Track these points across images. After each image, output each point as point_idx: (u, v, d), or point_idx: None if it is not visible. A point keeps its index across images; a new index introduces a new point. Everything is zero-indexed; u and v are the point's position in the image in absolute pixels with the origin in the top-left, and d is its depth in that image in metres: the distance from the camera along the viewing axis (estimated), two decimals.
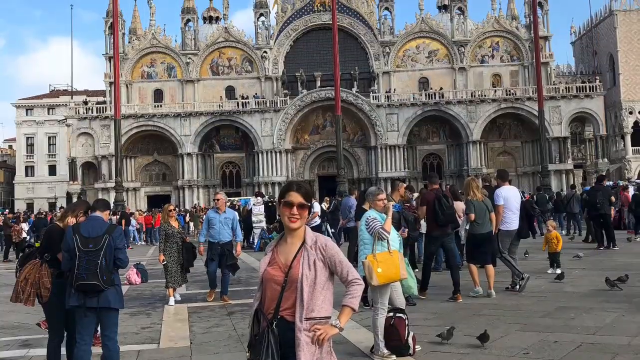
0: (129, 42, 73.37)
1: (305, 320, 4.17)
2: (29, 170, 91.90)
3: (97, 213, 7.76)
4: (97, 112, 70.99)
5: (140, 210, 52.71)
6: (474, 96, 69.20)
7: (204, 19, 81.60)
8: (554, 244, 15.56)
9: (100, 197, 55.23)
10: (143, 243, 40.48)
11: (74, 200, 54.93)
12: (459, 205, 14.99)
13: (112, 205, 36.96)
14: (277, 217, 25.29)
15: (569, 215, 29.40)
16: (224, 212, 13.78)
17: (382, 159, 68.70)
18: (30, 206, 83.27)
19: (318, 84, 70.02)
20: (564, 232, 28.46)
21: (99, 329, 7.78)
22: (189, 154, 70.14)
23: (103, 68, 73.91)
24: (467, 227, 12.88)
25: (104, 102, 72.22)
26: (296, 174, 70.21)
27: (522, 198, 14.55)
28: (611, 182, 39.58)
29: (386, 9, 73.20)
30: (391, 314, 8.37)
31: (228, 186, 70.71)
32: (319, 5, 72.69)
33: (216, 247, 13.61)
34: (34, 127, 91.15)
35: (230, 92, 72.83)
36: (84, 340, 7.35)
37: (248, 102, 69.89)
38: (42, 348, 8.65)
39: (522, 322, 10.02)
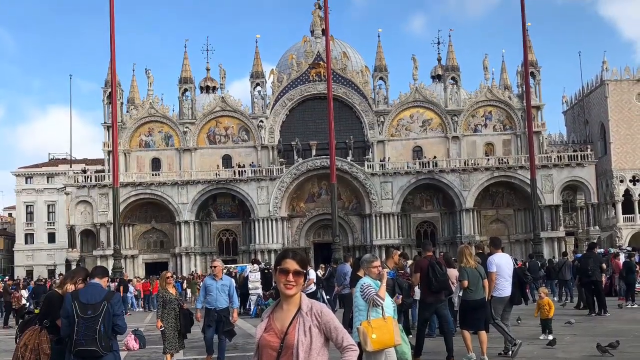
0: (127, 112, 73.91)
1: None
2: (29, 237, 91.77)
3: (96, 280, 7.92)
4: (95, 181, 71.09)
5: (138, 277, 52.52)
6: (467, 165, 69.54)
7: (201, 88, 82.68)
8: (546, 310, 15.70)
9: (98, 264, 55.36)
10: (141, 309, 40.38)
11: (73, 267, 54.74)
12: (453, 272, 15.20)
13: (110, 272, 36.88)
14: (273, 284, 25.37)
15: (561, 282, 29.52)
16: (221, 279, 13.94)
17: (377, 227, 68.69)
18: (29, 273, 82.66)
19: (313, 152, 70.48)
20: (555, 298, 28.50)
21: None
22: (186, 222, 70.08)
23: (101, 137, 74.27)
24: (461, 294, 13.04)
25: (103, 171, 72.43)
26: (292, 242, 70.05)
27: (514, 265, 14.73)
28: (602, 250, 39.61)
29: (380, 78, 74.04)
30: None
31: (225, 253, 70.43)
32: (314, 75, 73.62)
33: (213, 314, 13.71)
34: (34, 196, 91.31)
35: (226, 160, 73.20)
36: None
37: (244, 171, 70.21)
38: None
39: None
